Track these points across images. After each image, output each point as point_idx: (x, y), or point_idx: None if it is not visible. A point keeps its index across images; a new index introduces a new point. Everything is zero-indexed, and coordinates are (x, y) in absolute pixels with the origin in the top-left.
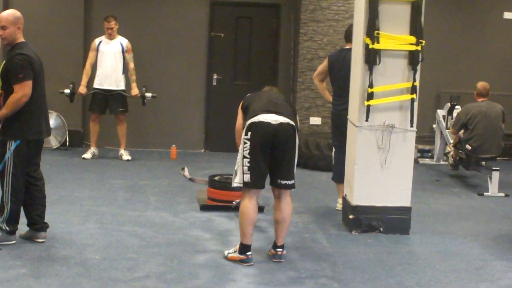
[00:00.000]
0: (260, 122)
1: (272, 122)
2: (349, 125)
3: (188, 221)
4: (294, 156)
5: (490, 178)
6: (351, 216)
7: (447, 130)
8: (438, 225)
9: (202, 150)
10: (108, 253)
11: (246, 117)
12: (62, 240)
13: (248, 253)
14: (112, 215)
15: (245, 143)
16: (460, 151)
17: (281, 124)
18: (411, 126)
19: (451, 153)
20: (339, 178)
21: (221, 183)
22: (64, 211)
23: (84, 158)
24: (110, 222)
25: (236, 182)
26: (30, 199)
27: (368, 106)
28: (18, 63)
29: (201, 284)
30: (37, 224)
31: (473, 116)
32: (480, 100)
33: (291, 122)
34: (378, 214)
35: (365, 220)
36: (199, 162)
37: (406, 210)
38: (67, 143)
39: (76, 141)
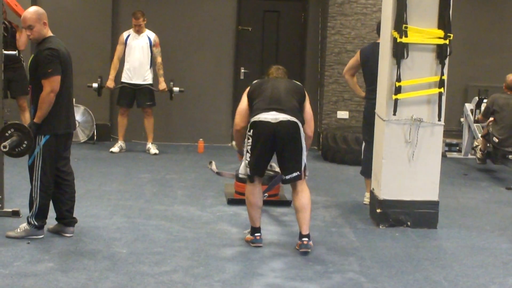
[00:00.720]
0: (260, 122)
1: (272, 121)
2: (376, 119)
3: (215, 215)
4: (299, 150)
5: None
6: (378, 210)
7: (475, 124)
8: (466, 220)
9: (229, 144)
10: (136, 247)
11: (251, 109)
12: (90, 234)
13: (256, 234)
14: (139, 209)
15: (248, 138)
16: (488, 145)
17: (281, 122)
18: (439, 120)
19: (479, 146)
20: (368, 172)
21: None
22: (91, 205)
23: (111, 152)
24: (137, 216)
25: (241, 173)
26: (60, 194)
27: (396, 100)
28: (47, 58)
29: (228, 278)
30: (66, 219)
31: (500, 108)
32: (509, 93)
33: (292, 119)
34: (405, 208)
35: (393, 214)
36: (226, 156)
37: (434, 204)
38: (95, 137)
39: (104, 135)
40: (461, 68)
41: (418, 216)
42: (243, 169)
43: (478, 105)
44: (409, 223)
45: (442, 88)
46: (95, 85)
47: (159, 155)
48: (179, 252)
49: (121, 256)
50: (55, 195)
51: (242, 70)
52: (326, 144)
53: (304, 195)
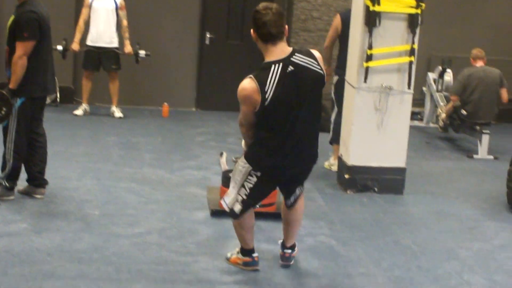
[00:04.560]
0: (272, 173)
1: (287, 173)
2: (347, 86)
3: (184, 178)
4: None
5: (480, 141)
6: (346, 176)
7: (437, 93)
8: (430, 186)
9: (194, 109)
10: (108, 209)
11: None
12: (61, 196)
13: (254, 255)
14: (108, 172)
15: (251, 176)
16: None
17: (297, 172)
18: (409, 88)
19: (442, 116)
20: (338, 139)
21: None
22: (60, 167)
23: (75, 115)
24: (107, 178)
25: (228, 204)
26: (32, 156)
27: (367, 68)
28: (27, 21)
29: (202, 240)
30: (37, 180)
31: (472, 80)
32: (478, 64)
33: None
34: (373, 174)
35: (360, 180)
36: (191, 120)
37: (401, 171)
38: (58, 100)
39: (67, 97)
40: (425, 38)
41: (385, 182)
42: (230, 201)
43: (441, 75)
44: (376, 189)
45: (413, 56)
46: (59, 47)
47: (124, 118)
48: (151, 214)
49: (93, 218)
50: (27, 156)
51: (208, 35)
52: None
53: (299, 207)
